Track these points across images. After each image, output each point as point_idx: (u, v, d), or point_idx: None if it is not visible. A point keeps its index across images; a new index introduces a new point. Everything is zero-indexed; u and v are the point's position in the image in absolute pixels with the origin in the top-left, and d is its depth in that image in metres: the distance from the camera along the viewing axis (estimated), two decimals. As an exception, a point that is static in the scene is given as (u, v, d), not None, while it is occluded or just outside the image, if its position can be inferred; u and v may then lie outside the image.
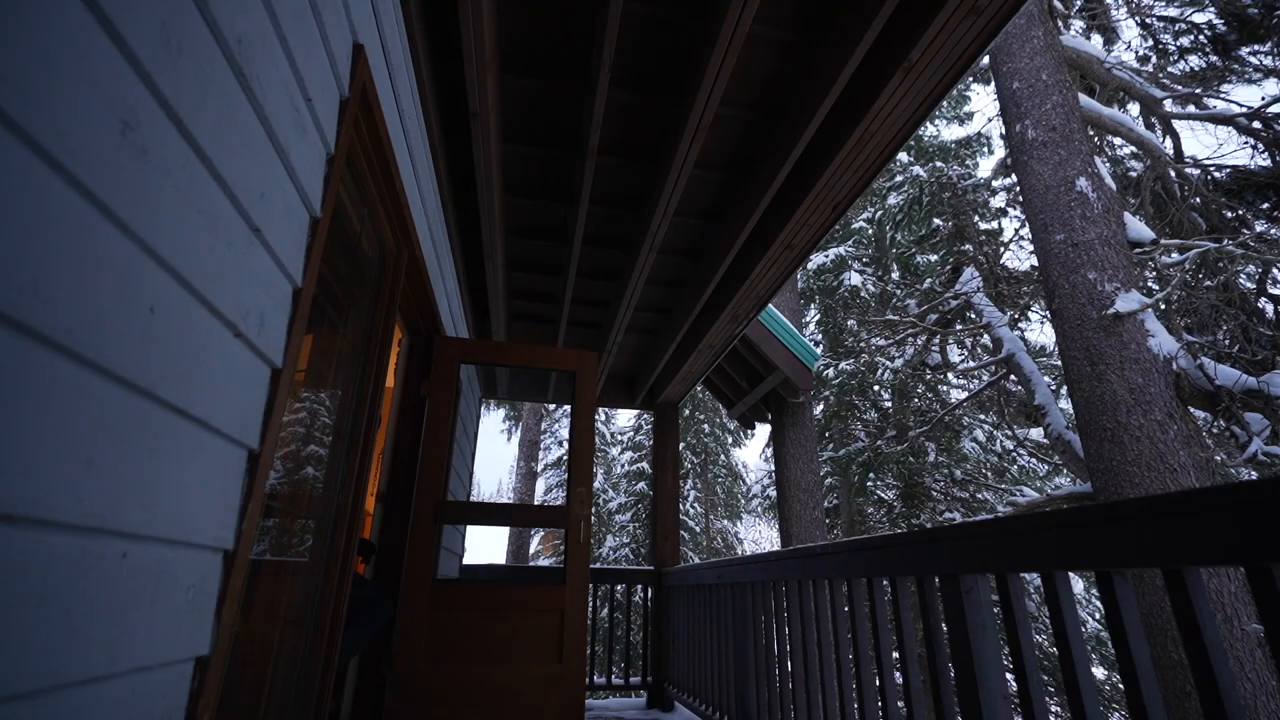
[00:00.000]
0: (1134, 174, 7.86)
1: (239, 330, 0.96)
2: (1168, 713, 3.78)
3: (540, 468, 17.39)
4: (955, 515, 10.36)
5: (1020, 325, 8.76)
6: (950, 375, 10.42)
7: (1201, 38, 7.51)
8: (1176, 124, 7.54)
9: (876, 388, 11.32)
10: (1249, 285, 6.75)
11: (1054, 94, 5.50)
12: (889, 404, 11.35)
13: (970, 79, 11.06)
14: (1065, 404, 8.48)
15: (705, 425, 17.39)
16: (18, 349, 0.55)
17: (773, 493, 14.46)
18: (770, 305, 5.12)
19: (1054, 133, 5.38)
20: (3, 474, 0.54)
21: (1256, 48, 7.10)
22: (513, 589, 2.89)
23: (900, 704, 1.75)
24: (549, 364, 3.29)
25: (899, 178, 11.27)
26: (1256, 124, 6.62)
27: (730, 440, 17.97)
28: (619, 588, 5.24)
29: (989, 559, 1.39)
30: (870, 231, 12.47)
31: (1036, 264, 5.74)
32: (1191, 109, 7.49)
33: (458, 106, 2.45)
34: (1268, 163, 6.65)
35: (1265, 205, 6.58)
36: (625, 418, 18.42)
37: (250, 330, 1.00)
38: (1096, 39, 8.31)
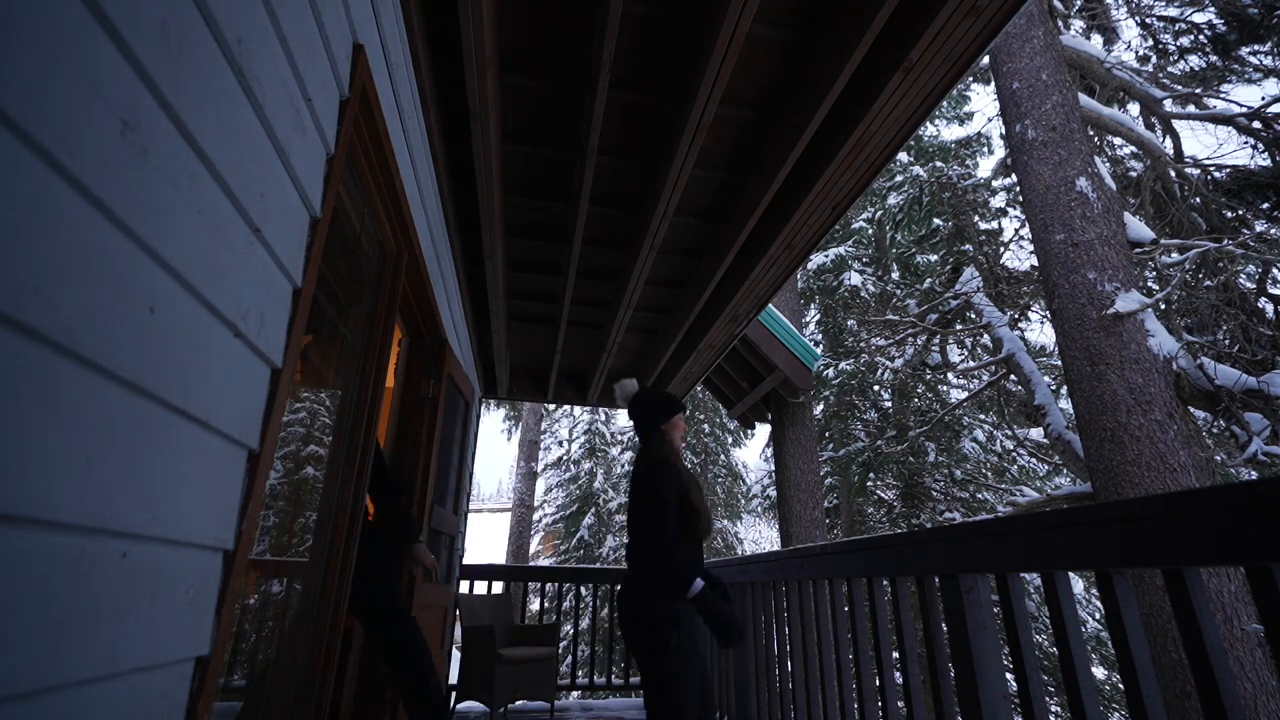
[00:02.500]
0: (1134, 174, 7.85)
1: (239, 330, 0.96)
2: (1168, 713, 3.77)
3: (540, 468, 17.34)
4: (955, 515, 10.35)
5: (1020, 325, 8.75)
6: (950, 375, 10.41)
7: (1201, 38, 7.51)
8: (1176, 124, 7.53)
9: (876, 388, 11.31)
10: (1249, 285, 6.75)
11: (1054, 94, 5.50)
12: (889, 404, 11.35)
13: (970, 79, 11.05)
14: (1065, 404, 8.47)
15: (705, 425, 17.37)
16: (18, 349, 0.55)
17: (773, 493, 14.44)
18: (770, 305, 5.12)
19: (1054, 133, 5.38)
20: (3, 474, 0.54)
21: (1256, 48, 7.10)
22: (439, 589, 3.36)
23: (900, 703, 1.75)
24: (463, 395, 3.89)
25: (899, 178, 11.26)
26: (1256, 124, 6.61)
27: (730, 440, 17.93)
28: (619, 588, 5.23)
29: (989, 559, 1.39)
30: (870, 231, 12.45)
31: (1036, 264, 5.74)
32: (1191, 109, 7.49)
33: (458, 106, 2.45)
34: (1268, 163, 6.65)
35: (1265, 205, 6.58)
36: (625, 417, 18.37)
37: (250, 330, 1.00)
38: (1096, 39, 8.31)
